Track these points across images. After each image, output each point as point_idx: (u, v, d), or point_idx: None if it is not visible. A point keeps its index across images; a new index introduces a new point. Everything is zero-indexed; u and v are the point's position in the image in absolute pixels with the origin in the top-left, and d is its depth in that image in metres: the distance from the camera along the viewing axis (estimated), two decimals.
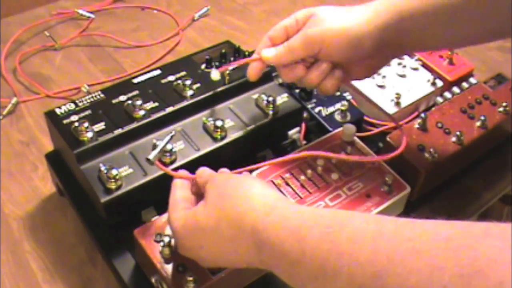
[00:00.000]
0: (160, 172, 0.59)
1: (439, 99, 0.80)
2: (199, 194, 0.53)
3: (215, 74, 0.63)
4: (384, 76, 0.78)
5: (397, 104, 0.75)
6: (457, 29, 0.57)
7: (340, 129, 0.67)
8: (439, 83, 0.80)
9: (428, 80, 0.79)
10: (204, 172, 0.53)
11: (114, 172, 0.57)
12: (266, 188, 0.46)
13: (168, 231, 0.54)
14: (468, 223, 0.32)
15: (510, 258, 0.28)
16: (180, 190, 0.52)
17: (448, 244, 0.31)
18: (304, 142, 0.70)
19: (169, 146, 0.60)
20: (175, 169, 0.59)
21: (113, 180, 0.57)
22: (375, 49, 0.56)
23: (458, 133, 0.68)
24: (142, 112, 0.63)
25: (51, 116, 0.63)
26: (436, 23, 0.56)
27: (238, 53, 0.72)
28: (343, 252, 0.36)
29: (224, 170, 0.54)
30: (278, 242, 0.40)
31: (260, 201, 0.44)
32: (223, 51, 0.72)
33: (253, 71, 0.60)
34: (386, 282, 0.33)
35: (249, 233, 0.42)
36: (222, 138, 0.63)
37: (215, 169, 0.54)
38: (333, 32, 0.55)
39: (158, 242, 0.53)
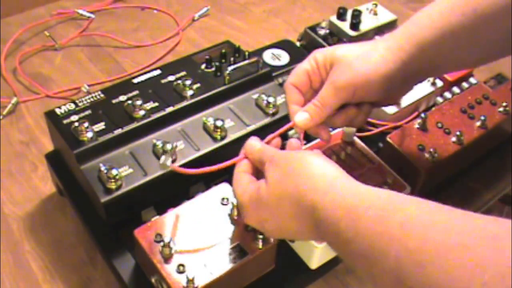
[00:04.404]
0: (160, 172, 0.59)
1: (439, 99, 0.80)
2: (258, 168, 0.53)
3: (167, 163, 0.54)
4: None
5: (397, 104, 0.75)
6: (477, 51, 0.56)
7: (340, 129, 0.67)
8: (439, 83, 0.80)
9: (428, 80, 0.79)
10: (253, 148, 0.53)
11: (114, 172, 0.57)
12: (326, 165, 0.47)
13: (168, 231, 0.54)
14: None
15: None
16: (243, 164, 0.53)
17: (494, 243, 0.32)
18: (304, 142, 0.69)
19: (169, 146, 0.60)
20: None
21: (113, 180, 0.57)
22: (403, 82, 0.55)
23: (458, 133, 0.68)
24: (142, 112, 0.63)
25: (51, 116, 0.63)
26: (456, 49, 0.55)
27: (238, 53, 0.72)
28: (393, 236, 0.37)
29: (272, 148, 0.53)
30: (334, 220, 0.42)
31: (320, 180, 0.45)
32: (223, 51, 0.72)
33: (297, 130, 0.57)
34: (429, 272, 0.33)
35: (309, 211, 0.44)
36: (222, 138, 0.63)
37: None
38: (364, 76, 0.53)
39: (158, 242, 0.53)
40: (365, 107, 0.57)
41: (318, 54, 0.56)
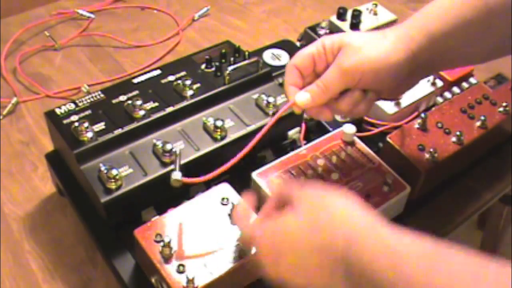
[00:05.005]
0: (159, 172, 0.59)
1: (439, 99, 0.80)
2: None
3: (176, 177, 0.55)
4: None
5: (397, 104, 0.75)
6: (488, 45, 0.56)
7: (340, 129, 0.67)
8: (439, 83, 0.80)
9: (428, 80, 0.79)
10: (281, 192, 0.50)
11: (114, 172, 0.57)
12: (364, 208, 0.44)
13: (168, 231, 0.54)
14: None
15: None
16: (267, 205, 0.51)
17: None
18: (304, 142, 0.70)
19: (169, 146, 0.60)
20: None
21: (113, 180, 0.57)
22: (411, 74, 0.55)
23: (458, 133, 0.68)
24: (142, 112, 0.63)
25: (51, 116, 0.63)
26: (466, 42, 0.55)
27: (238, 53, 0.72)
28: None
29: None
30: (370, 267, 0.39)
31: (359, 219, 0.42)
32: (223, 51, 0.72)
33: (296, 110, 0.56)
34: None
35: (341, 247, 0.41)
36: (222, 138, 0.63)
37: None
38: (372, 62, 0.52)
39: (158, 242, 0.53)
40: (370, 94, 0.55)
41: (327, 40, 0.55)
